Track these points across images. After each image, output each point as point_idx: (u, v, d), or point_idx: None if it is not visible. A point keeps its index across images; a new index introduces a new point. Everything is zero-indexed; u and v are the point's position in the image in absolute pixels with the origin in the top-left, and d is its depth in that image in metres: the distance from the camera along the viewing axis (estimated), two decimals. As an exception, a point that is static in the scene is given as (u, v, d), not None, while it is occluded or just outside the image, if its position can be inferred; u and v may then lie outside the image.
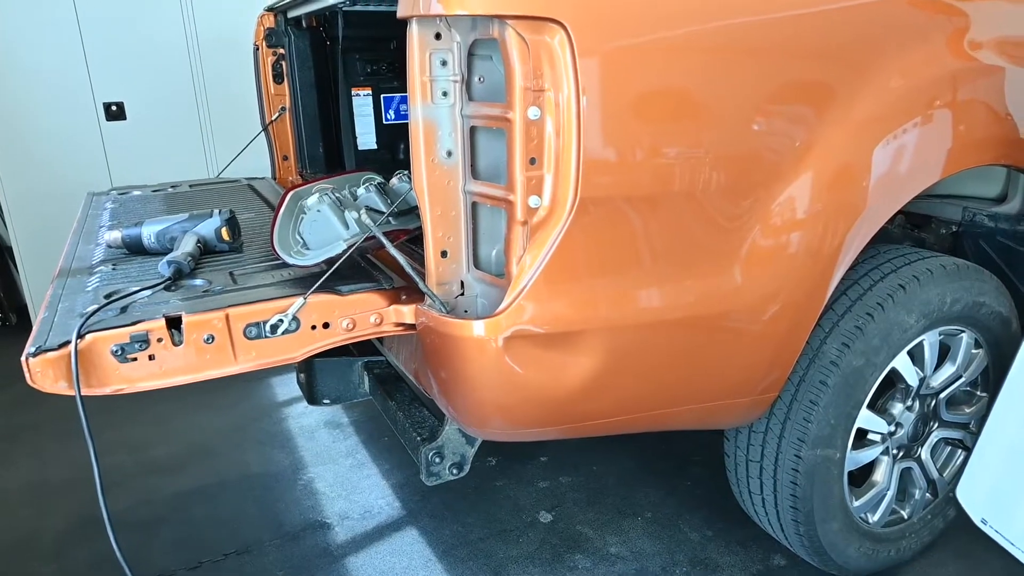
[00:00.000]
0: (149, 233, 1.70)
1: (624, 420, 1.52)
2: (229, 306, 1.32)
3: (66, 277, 1.62)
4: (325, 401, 2.17)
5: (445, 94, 1.30)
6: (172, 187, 2.71)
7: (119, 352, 1.25)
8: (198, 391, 3.11)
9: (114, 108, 3.77)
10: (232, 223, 1.69)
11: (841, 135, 1.46)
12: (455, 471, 1.73)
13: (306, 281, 1.45)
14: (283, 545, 2.18)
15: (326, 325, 1.40)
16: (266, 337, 1.35)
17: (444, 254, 1.39)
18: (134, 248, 1.72)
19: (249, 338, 1.34)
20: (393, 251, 1.36)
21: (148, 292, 1.42)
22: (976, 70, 1.65)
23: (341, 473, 2.56)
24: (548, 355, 1.35)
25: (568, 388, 1.39)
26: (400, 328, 1.45)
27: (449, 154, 1.33)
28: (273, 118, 2.82)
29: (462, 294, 1.43)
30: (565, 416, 1.45)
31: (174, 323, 1.29)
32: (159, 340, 1.28)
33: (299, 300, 1.35)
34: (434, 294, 1.37)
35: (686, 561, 2.05)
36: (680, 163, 1.33)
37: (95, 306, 1.31)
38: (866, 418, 1.74)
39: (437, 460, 1.70)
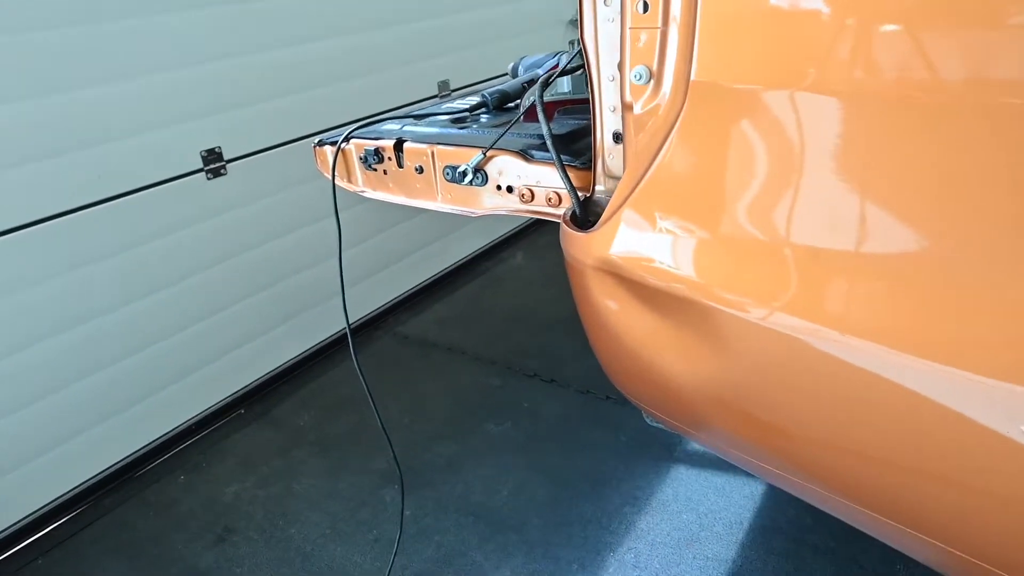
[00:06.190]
0: (524, 64, 1.74)
1: (776, 474, 0.94)
2: (436, 143, 1.33)
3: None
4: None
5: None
6: None
7: (364, 159, 1.44)
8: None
9: None
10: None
11: None
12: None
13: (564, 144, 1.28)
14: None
15: (510, 189, 1.26)
16: (458, 183, 1.32)
17: (617, 137, 1.04)
18: (513, 74, 1.79)
19: (447, 180, 1.33)
20: (541, 118, 1.08)
21: (445, 118, 1.53)
22: None
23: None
24: (648, 311, 0.93)
25: (672, 368, 0.94)
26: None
27: (621, -3, 0.94)
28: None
29: (640, 198, 1.06)
30: (680, 409, 1.00)
31: (400, 147, 1.38)
32: (389, 159, 1.40)
33: (479, 153, 1.25)
34: (571, 182, 1.06)
35: None
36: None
37: (375, 117, 1.50)
38: None
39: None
